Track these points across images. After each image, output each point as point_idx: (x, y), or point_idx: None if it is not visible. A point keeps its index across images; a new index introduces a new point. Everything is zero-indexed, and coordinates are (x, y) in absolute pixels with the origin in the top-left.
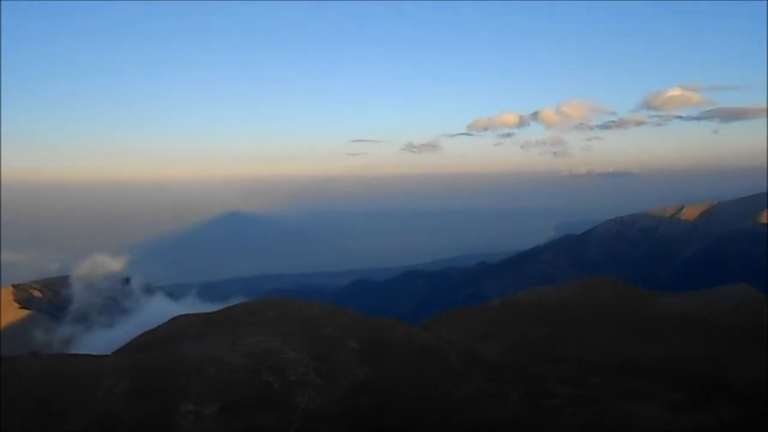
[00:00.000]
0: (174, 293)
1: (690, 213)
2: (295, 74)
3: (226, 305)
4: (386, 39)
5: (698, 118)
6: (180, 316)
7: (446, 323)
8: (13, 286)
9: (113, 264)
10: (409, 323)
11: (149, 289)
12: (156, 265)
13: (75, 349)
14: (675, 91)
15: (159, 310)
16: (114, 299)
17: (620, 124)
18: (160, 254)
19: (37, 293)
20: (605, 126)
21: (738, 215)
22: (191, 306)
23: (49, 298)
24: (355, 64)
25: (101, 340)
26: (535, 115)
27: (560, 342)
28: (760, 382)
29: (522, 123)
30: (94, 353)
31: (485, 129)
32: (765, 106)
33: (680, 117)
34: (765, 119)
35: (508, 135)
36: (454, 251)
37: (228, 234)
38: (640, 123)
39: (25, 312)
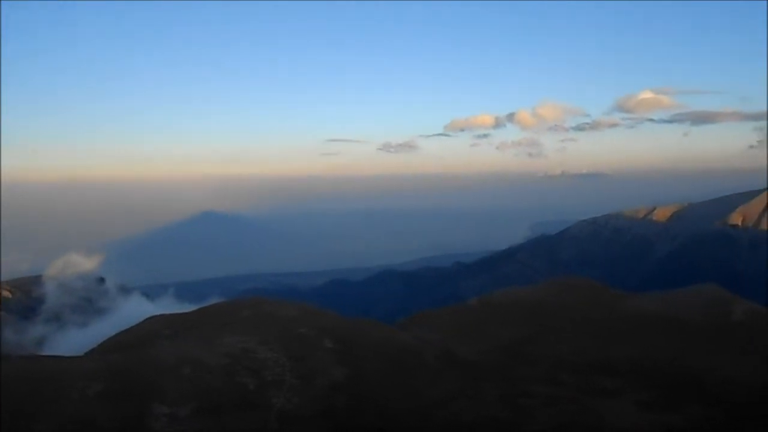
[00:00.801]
0: (150, 293)
1: (661, 214)
2: (271, 73)
3: (202, 305)
4: (363, 39)
5: (669, 121)
6: (154, 316)
7: (423, 323)
8: None
9: (87, 263)
10: (386, 323)
11: (125, 289)
12: (131, 264)
13: (48, 350)
14: (646, 94)
15: (135, 310)
16: (88, 299)
17: (594, 126)
18: (135, 254)
19: (6, 293)
20: (579, 128)
21: (707, 217)
22: (168, 306)
23: (19, 299)
24: (331, 64)
25: (75, 341)
26: (510, 117)
27: (536, 342)
28: (728, 381)
29: (498, 124)
30: (67, 354)
31: (462, 130)
32: (734, 110)
33: (652, 120)
34: (734, 123)
35: (484, 136)
36: (430, 251)
37: (203, 234)
38: (613, 125)
39: None
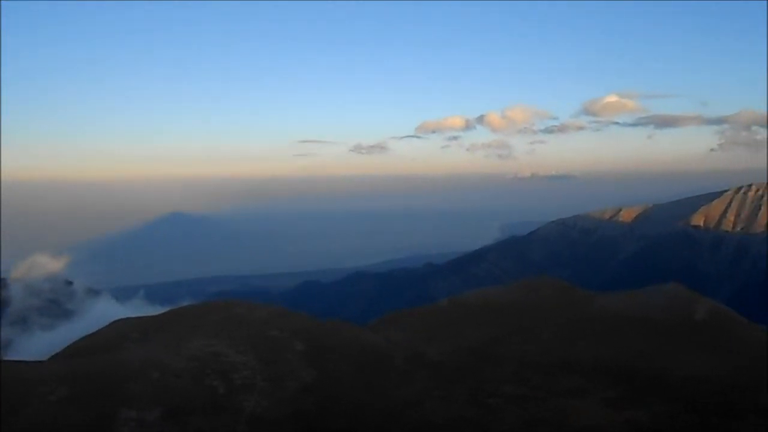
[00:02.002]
0: (119, 295)
1: (627, 215)
2: (242, 73)
3: (172, 308)
4: (335, 39)
5: (634, 125)
6: (121, 319)
7: (393, 324)
8: None
9: (54, 265)
10: (357, 324)
11: (93, 291)
12: (99, 266)
13: (13, 354)
14: (612, 98)
15: (104, 313)
16: (55, 301)
17: (562, 128)
18: (104, 255)
19: None
20: (548, 130)
21: (671, 218)
22: (137, 308)
23: None
24: (303, 65)
25: (41, 344)
26: (480, 119)
27: (505, 342)
28: (691, 378)
29: (468, 126)
30: (33, 358)
31: (433, 131)
32: (695, 114)
33: (617, 123)
34: (695, 127)
35: (455, 138)
36: (401, 252)
37: (171, 235)
38: (580, 128)
39: None
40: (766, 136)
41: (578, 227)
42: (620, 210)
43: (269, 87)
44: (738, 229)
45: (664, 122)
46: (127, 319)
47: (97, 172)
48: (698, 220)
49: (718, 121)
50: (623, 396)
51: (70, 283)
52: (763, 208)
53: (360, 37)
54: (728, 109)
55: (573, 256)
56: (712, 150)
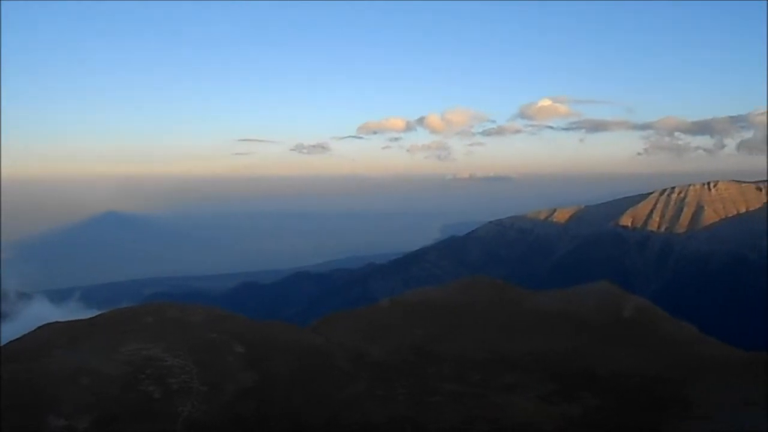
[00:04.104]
0: (54, 298)
1: (561, 216)
2: (181, 70)
3: (104, 311)
4: (276, 38)
5: (566, 129)
6: (50, 323)
7: (334, 325)
8: None
9: None
10: (297, 325)
11: (25, 294)
12: (31, 266)
13: None
14: (545, 102)
15: (37, 316)
16: None
17: (499, 131)
18: (35, 255)
19: None
20: (486, 133)
21: (602, 218)
22: (73, 311)
23: None
24: (243, 62)
25: None
26: (421, 121)
27: (443, 340)
28: (619, 372)
29: (409, 128)
30: None
31: (374, 132)
32: (623, 120)
33: (551, 127)
34: (623, 132)
35: (396, 139)
36: (342, 253)
37: (105, 235)
38: (517, 131)
39: None
40: (687, 142)
41: (515, 227)
42: (555, 211)
43: (208, 84)
44: (662, 229)
45: (595, 127)
46: (56, 323)
47: (26, 170)
48: (626, 220)
49: (644, 126)
50: (557, 391)
51: None
52: (686, 210)
53: (301, 37)
54: (653, 115)
55: (510, 256)
56: (638, 154)
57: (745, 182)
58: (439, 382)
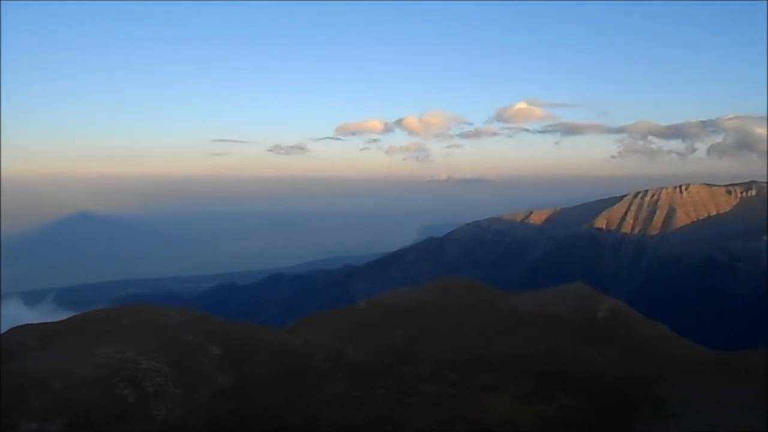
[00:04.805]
0: (28, 299)
1: (537, 218)
2: (156, 69)
3: (77, 313)
4: (254, 39)
5: (542, 131)
6: (21, 325)
7: (312, 326)
8: None
9: None
10: (275, 327)
11: None
12: (4, 268)
13: None
14: (522, 105)
15: (10, 318)
16: None
17: (476, 133)
18: (7, 257)
19: None
20: (464, 135)
21: (577, 220)
22: (48, 313)
23: None
24: (221, 63)
25: None
26: (399, 123)
27: (421, 341)
28: (594, 372)
29: (387, 129)
30: None
31: (352, 134)
32: (597, 123)
33: (527, 130)
34: (597, 135)
35: (374, 140)
36: (320, 254)
37: (78, 236)
38: (494, 134)
39: None
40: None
41: (492, 229)
42: (531, 213)
43: (185, 84)
44: (636, 231)
45: (570, 130)
46: (28, 325)
47: None
48: (601, 222)
49: (618, 130)
50: (533, 391)
51: None
52: (658, 212)
53: (279, 38)
54: (627, 119)
55: (487, 257)
56: (612, 157)
57: (715, 185)
58: (417, 383)
